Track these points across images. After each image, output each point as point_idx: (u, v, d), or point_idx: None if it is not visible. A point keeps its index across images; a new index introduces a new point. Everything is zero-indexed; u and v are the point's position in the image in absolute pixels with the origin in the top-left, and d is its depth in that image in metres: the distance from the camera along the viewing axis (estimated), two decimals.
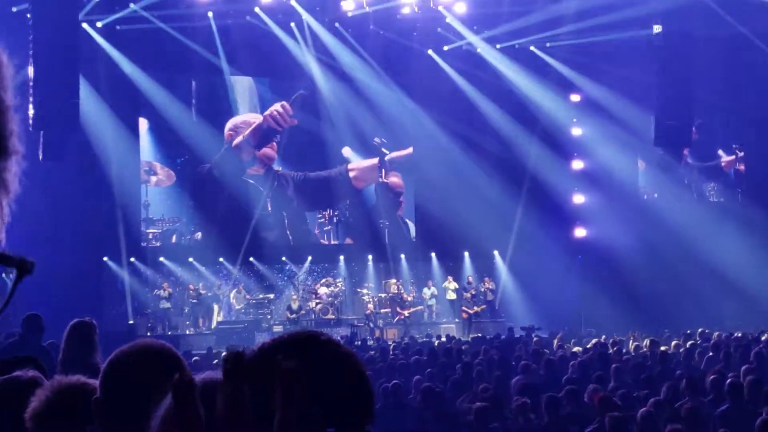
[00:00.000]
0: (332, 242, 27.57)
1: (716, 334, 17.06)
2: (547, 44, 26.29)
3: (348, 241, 27.68)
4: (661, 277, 25.55)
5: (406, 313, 25.75)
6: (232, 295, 25.40)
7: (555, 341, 18.19)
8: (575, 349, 14.27)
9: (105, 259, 23.98)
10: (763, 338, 16.09)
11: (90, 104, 22.09)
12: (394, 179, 28.34)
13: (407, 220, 28.48)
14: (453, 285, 26.87)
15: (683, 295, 24.13)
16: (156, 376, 2.18)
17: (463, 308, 26.19)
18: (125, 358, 2.38)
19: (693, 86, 22.32)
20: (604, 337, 18.95)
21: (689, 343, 16.08)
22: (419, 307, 26.38)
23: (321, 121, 26.86)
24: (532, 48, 26.50)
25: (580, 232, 27.62)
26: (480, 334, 23.29)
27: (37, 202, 22.82)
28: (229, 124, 26.44)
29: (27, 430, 2.50)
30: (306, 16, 24.87)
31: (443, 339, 19.56)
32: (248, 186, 26.27)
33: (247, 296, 25.46)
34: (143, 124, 25.34)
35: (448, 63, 26.88)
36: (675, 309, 23.74)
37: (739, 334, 16.84)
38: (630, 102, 24.87)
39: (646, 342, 16.42)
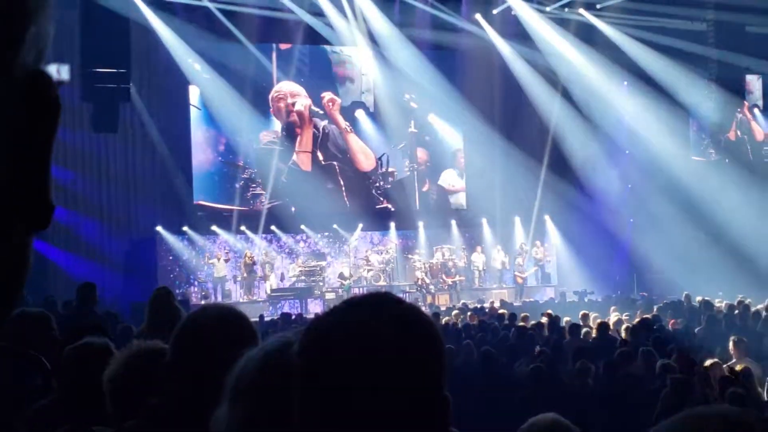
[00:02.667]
0: (383, 206, 27.50)
1: None
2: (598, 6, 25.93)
3: (387, 205, 27.57)
4: (712, 239, 25.22)
5: (449, 281, 25.75)
6: (291, 267, 25.53)
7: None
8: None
9: (158, 228, 24.21)
10: None
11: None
12: (419, 153, 28.20)
13: (458, 186, 28.35)
14: (501, 254, 26.82)
15: (734, 258, 23.84)
16: (226, 341, 2.19)
17: (516, 273, 26.18)
18: (195, 322, 2.37)
19: None
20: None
21: (742, 305, 15.88)
22: (462, 278, 26.31)
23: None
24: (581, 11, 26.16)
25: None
26: (532, 299, 23.28)
27: (89, 174, 23.28)
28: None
29: (103, 393, 2.54)
30: None
31: (496, 304, 19.54)
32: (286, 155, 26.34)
33: (300, 264, 25.59)
34: (195, 92, 25.35)
35: (496, 30, 26.61)
36: (727, 272, 23.44)
37: None
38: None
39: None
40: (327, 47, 26.73)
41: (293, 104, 26.37)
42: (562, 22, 26.23)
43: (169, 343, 2.42)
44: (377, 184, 27.52)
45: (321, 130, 26.71)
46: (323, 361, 1.38)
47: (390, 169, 27.65)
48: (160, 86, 24.13)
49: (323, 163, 26.60)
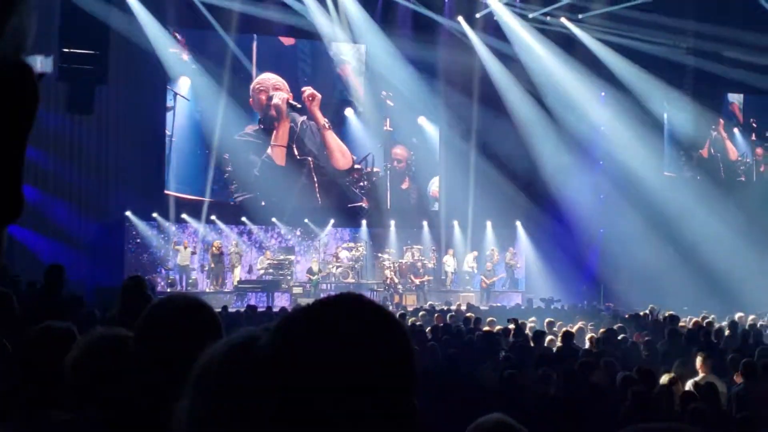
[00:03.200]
0: (356, 204, 27.48)
1: (739, 315, 17.00)
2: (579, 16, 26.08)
3: (363, 204, 27.54)
4: (680, 254, 25.43)
5: (417, 281, 25.78)
6: (260, 259, 25.46)
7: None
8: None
9: (128, 213, 24.06)
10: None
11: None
12: (398, 150, 28.20)
13: (431, 188, 28.37)
14: (472, 256, 26.89)
15: (701, 274, 24.06)
16: (191, 332, 2.19)
17: (482, 277, 26.25)
18: (160, 312, 2.35)
19: None
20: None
21: (706, 321, 16.03)
22: (430, 278, 26.34)
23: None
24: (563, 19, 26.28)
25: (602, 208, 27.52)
26: (499, 304, 23.36)
27: (60, 155, 23.07)
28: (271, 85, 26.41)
29: (63, 377, 2.51)
30: None
31: (463, 307, 19.57)
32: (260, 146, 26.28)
33: (269, 257, 25.52)
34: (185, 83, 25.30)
35: (477, 34, 26.67)
36: (693, 287, 23.64)
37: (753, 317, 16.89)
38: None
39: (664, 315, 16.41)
40: (314, 42, 26.52)
41: (272, 97, 26.29)
42: (543, 30, 26.35)
43: (133, 332, 2.39)
44: (361, 184, 27.51)
45: (299, 125, 26.62)
46: (293, 360, 1.38)
47: (375, 169, 27.64)
48: (138, 72, 23.93)
49: (298, 157, 26.51)
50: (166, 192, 24.91)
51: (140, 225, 24.34)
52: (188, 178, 25.53)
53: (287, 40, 26.47)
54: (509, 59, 26.46)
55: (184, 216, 24.86)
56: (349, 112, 27.26)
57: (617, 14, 24.93)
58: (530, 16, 26.12)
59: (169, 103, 25.26)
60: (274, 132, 26.31)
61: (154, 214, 24.43)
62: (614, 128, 26.81)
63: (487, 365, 10.03)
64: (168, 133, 25.21)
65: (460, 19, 26.42)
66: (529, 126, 26.66)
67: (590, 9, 25.41)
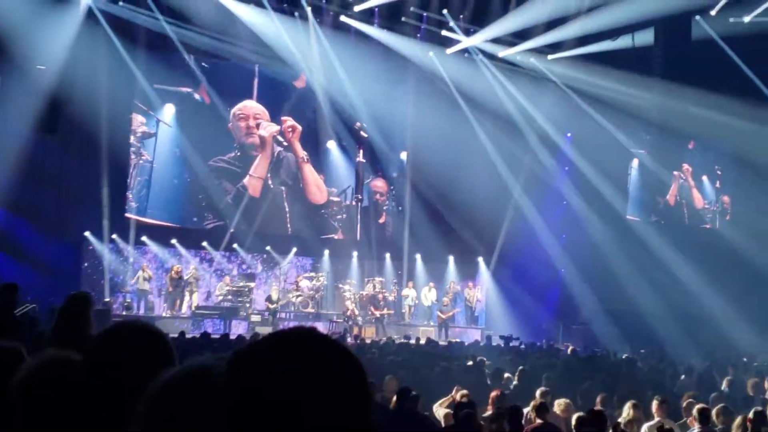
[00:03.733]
0: (329, 236, 27.49)
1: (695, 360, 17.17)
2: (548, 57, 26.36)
3: (336, 236, 27.56)
4: (645, 294, 25.58)
5: (377, 313, 25.72)
6: (219, 285, 25.26)
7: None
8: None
9: (87, 234, 23.82)
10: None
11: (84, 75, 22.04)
12: (378, 183, 28.25)
13: (386, 218, 28.38)
14: (432, 290, 26.89)
15: (667, 316, 24.21)
16: (142, 360, 2.16)
17: (438, 312, 26.20)
18: (112, 338, 2.31)
19: None
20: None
21: (663, 364, 16.14)
22: (390, 311, 26.30)
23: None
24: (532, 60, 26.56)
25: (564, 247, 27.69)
26: (458, 340, 23.32)
27: (20, 172, 22.80)
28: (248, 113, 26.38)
29: (10, 398, 2.45)
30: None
31: (422, 342, 19.53)
32: (237, 174, 26.16)
33: (228, 283, 25.33)
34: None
35: (446, 70, 26.87)
36: (651, 330, 23.77)
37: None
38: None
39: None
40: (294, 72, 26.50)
41: (257, 126, 26.24)
42: (513, 68, 26.61)
43: (83, 356, 2.34)
44: (339, 216, 27.47)
45: (276, 154, 26.60)
46: (248, 392, 1.37)
47: (353, 203, 27.71)
48: (104, 93, 23.77)
49: (271, 186, 26.46)
50: (127, 215, 24.71)
51: (99, 246, 24.10)
52: (166, 203, 25.42)
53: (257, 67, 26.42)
54: (480, 95, 26.67)
55: (144, 239, 24.66)
56: (331, 144, 27.28)
57: (586, 56, 25.24)
58: (500, 54, 26.36)
59: (152, 129, 25.18)
60: (255, 163, 26.28)
61: (114, 236, 24.21)
62: (579, 169, 27.06)
63: (443, 402, 9.99)
64: (149, 158, 25.09)
65: (431, 54, 26.62)
66: (494, 163, 26.84)
67: (560, 50, 25.71)
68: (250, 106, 26.32)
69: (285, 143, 26.69)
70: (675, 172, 29.53)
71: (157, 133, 25.25)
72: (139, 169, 25.13)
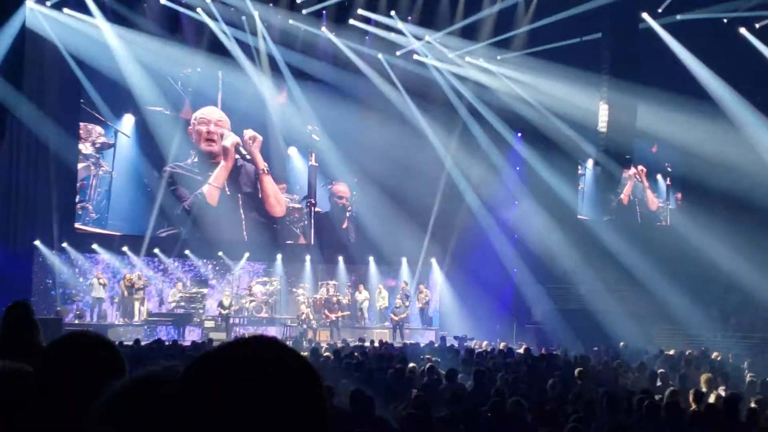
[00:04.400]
0: (291, 243, 27.46)
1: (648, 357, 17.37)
2: (498, 57, 26.47)
3: (289, 241, 27.47)
4: (598, 292, 25.78)
5: (332, 316, 25.71)
6: (171, 292, 25.06)
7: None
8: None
9: (37, 242, 23.50)
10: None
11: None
12: (340, 187, 28.24)
13: (348, 224, 28.38)
14: (385, 293, 26.94)
15: (621, 312, 24.42)
16: (92, 370, 2.16)
17: (391, 314, 26.23)
18: (62, 349, 2.31)
19: None
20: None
21: (616, 361, 16.28)
22: (345, 313, 26.31)
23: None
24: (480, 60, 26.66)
25: (517, 245, 27.84)
26: (412, 341, 23.35)
27: None
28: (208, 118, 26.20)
29: None
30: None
31: (376, 344, 19.54)
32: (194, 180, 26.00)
33: (181, 290, 25.15)
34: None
35: (396, 72, 26.91)
36: (610, 325, 23.98)
37: (671, 352, 17.33)
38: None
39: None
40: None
41: (221, 135, 26.07)
42: (463, 69, 26.70)
43: (34, 368, 2.34)
44: (301, 224, 27.46)
45: (236, 165, 26.47)
46: (201, 401, 1.38)
47: (316, 209, 27.65)
48: (53, 100, 23.48)
49: (228, 193, 26.32)
50: (76, 225, 24.45)
51: (49, 255, 23.79)
52: (127, 214, 25.25)
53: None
54: (430, 97, 26.77)
55: (95, 246, 24.39)
56: (292, 150, 27.19)
57: (535, 55, 25.36)
58: (450, 56, 26.45)
59: (110, 139, 24.95)
60: (215, 172, 26.14)
61: (64, 245, 23.92)
62: (530, 168, 27.25)
63: (398, 404, 10.00)
64: (108, 169, 24.87)
65: (380, 56, 26.65)
66: (447, 164, 26.97)
67: (509, 50, 25.82)
68: (212, 112, 26.16)
69: (247, 155, 26.57)
70: (629, 172, 29.73)
71: (116, 144, 25.01)
72: (98, 180, 24.85)
